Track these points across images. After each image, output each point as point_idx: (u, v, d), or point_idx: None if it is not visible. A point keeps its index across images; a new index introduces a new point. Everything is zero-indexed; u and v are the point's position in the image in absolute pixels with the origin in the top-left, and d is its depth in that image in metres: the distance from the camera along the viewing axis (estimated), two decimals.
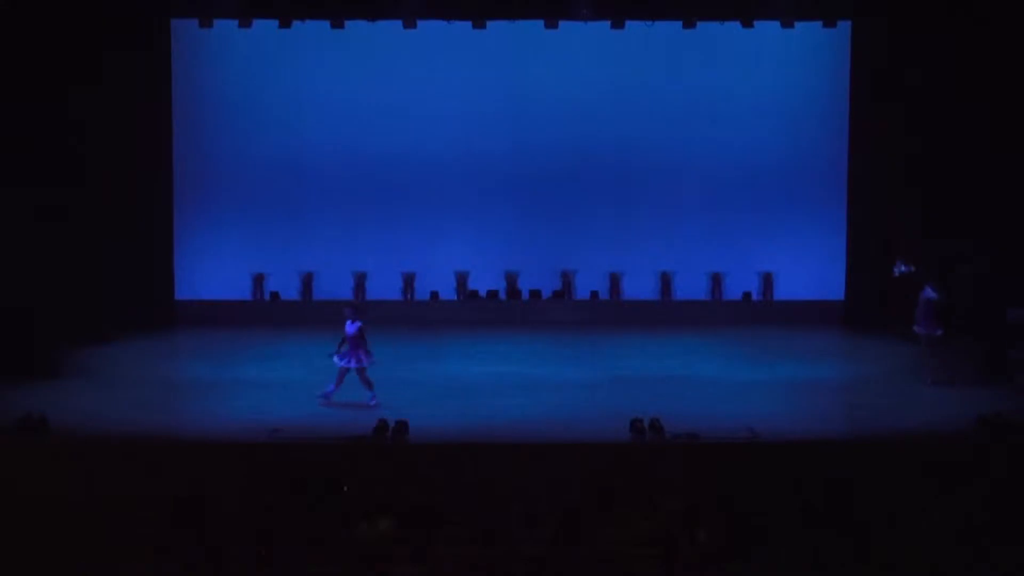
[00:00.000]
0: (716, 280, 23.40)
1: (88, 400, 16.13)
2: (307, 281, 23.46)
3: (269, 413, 15.28)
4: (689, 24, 22.37)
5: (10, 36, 17.48)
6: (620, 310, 23.35)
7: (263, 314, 23.14)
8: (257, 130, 23.19)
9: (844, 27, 22.92)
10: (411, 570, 10.55)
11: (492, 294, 23.45)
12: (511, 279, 23.54)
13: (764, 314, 23.21)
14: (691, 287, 23.50)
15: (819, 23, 22.75)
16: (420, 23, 22.28)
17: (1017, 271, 17.60)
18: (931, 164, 21.11)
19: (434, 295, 23.48)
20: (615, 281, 23.49)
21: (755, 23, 22.48)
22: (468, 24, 22.38)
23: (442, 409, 15.61)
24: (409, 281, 23.52)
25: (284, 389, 16.88)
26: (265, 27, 22.51)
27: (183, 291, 23.31)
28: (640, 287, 23.45)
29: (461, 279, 23.50)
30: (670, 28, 22.59)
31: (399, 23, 22.34)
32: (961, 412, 15.15)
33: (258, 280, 23.43)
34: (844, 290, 23.40)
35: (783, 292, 23.55)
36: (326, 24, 22.43)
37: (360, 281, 23.49)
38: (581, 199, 23.40)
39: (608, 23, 22.50)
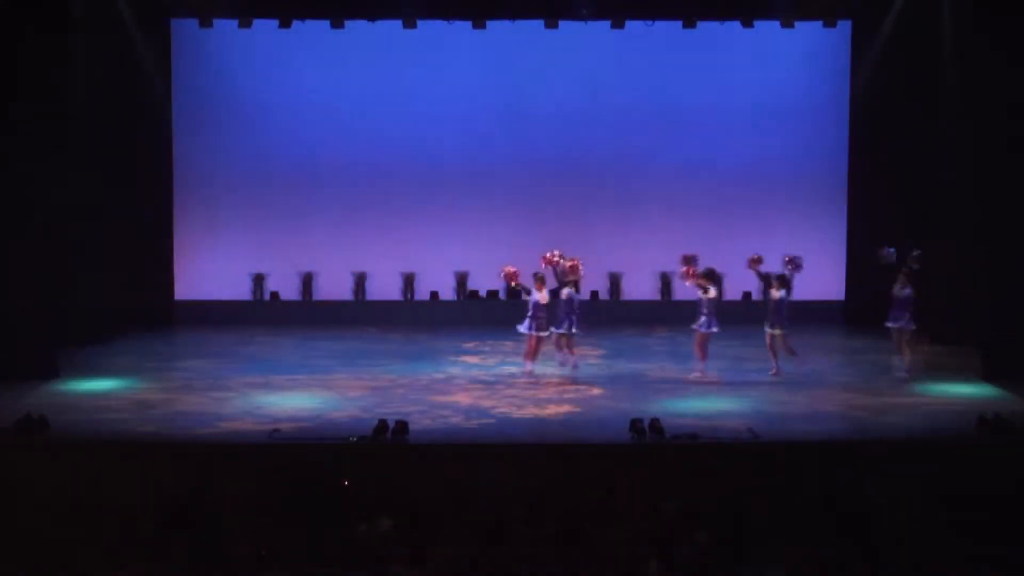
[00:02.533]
0: (716, 280, 23.35)
1: (88, 400, 16.13)
2: (307, 281, 23.46)
3: (269, 413, 15.28)
4: (689, 24, 22.40)
5: (8, 35, 17.45)
6: (620, 310, 23.35)
7: (263, 314, 23.15)
8: (257, 130, 23.18)
9: (844, 27, 22.94)
10: (411, 570, 10.54)
11: (492, 294, 23.44)
12: None
13: (764, 314, 23.16)
14: (691, 287, 23.45)
15: (819, 23, 22.78)
16: (420, 23, 22.30)
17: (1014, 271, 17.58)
18: (931, 164, 21.14)
19: (434, 295, 23.48)
20: (615, 281, 23.49)
21: (755, 23, 22.50)
22: (468, 24, 22.40)
23: (442, 409, 15.61)
24: (409, 281, 23.52)
25: (284, 389, 16.88)
26: (265, 27, 22.52)
27: (183, 291, 23.31)
28: (640, 287, 23.45)
29: (461, 279, 23.50)
30: (670, 28, 22.60)
31: (399, 23, 22.37)
32: (961, 412, 15.15)
33: (258, 280, 23.43)
34: (844, 290, 23.41)
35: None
36: (326, 24, 22.45)
37: (360, 281, 23.49)
38: (581, 199, 23.38)
39: (608, 23, 22.52)
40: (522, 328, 17.57)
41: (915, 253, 17.55)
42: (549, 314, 17.55)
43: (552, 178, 23.37)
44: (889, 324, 17.61)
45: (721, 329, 17.55)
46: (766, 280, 17.74)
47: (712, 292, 17.48)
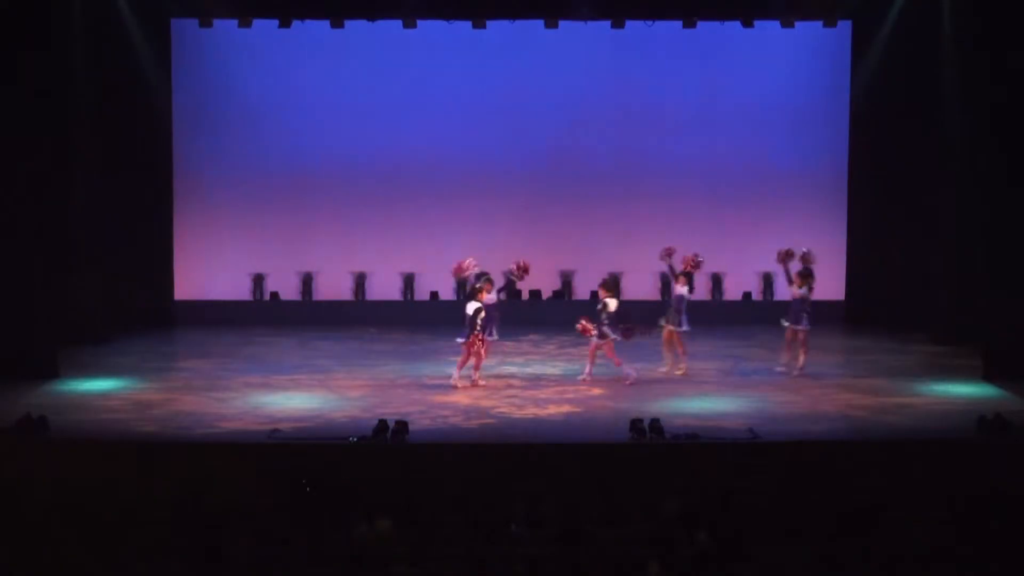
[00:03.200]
0: (716, 280, 23.39)
1: (88, 400, 16.13)
2: (307, 281, 23.46)
3: (269, 413, 15.28)
4: (689, 24, 22.40)
5: (8, 35, 17.45)
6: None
7: (263, 314, 23.14)
8: (257, 130, 23.17)
9: (844, 27, 22.93)
10: (411, 570, 10.55)
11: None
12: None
13: (764, 314, 23.18)
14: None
15: (819, 23, 22.78)
16: (420, 23, 22.30)
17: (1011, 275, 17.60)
18: (931, 164, 21.14)
19: (434, 295, 23.48)
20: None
21: (755, 23, 22.50)
22: (468, 24, 22.39)
23: (442, 409, 15.61)
24: (409, 281, 23.52)
25: (284, 389, 16.88)
26: (265, 27, 22.52)
27: (183, 291, 23.30)
28: (640, 287, 23.43)
29: (461, 279, 23.49)
30: (670, 28, 22.60)
31: (399, 23, 22.37)
32: (961, 412, 15.15)
33: (258, 280, 23.42)
34: (844, 290, 23.41)
35: (783, 292, 23.53)
36: (326, 24, 22.45)
37: (360, 281, 23.49)
38: (581, 199, 23.38)
39: (608, 23, 22.52)
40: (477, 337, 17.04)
41: (804, 251, 17.73)
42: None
43: (552, 178, 23.36)
44: (784, 322, 17.69)
45: (619, 337, 17.22)
46: (678, 275, 17.72)
47: (612, 304, 17.25)
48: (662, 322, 17.89)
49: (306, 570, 10.76)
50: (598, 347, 17.22)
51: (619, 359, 17.18)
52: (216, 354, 19.80)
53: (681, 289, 17.71)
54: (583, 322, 17.20)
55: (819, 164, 23.37)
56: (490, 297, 17.42)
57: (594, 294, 23.35)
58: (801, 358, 17.67)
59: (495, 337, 17.84)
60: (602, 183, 23.37)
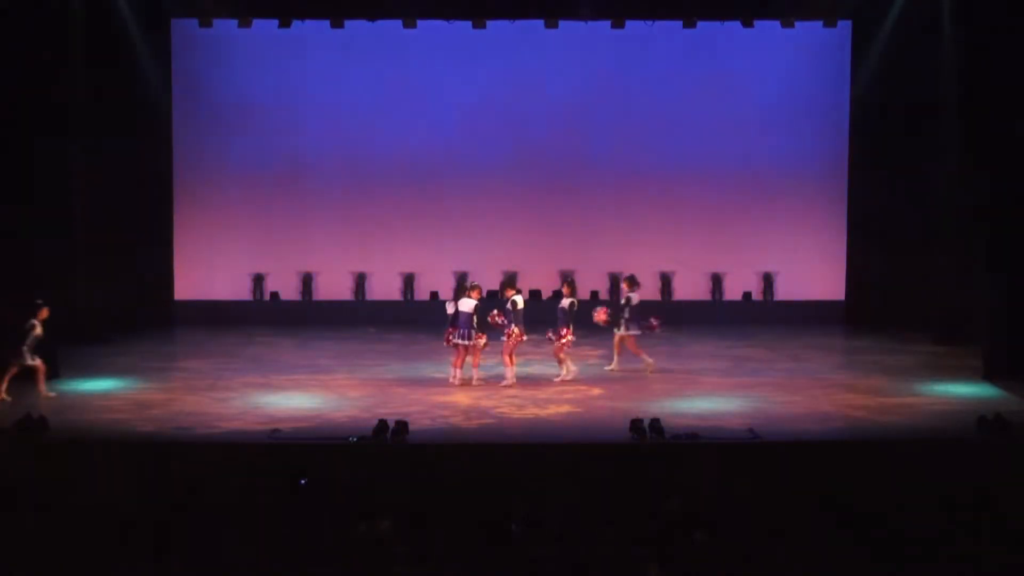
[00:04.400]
0: (716, 280, 23.41)
1: (89, 400, 16.13)
2: (307, 281, 23.47)
3: (269, 413, 15.27)
4: (689, 24, 22.43)
5: (9, 35, 17.46)
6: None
7: (263, 314, 23.15)
8: (257, 130, 23.21)
9: (844, 27, 22.96)
10: (411, 570, 10.55)
11: (492, 294, 23.42)
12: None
13: (764, 314, 23.22)
14: (691, 287, 23.52)
15: (819, 23, 22.80)
16: (420, 23, 22.33)
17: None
18: (931, 164, 21.14)
19: (434, 295, 23.49)
20: (615, 281, 23.49)
21: (755, 23, 22.54)
22: (468, 24, 22.42)
23: (442, 409, 15.61)
24: (409, 281, 23.53)
25: (284, 389, 16.88)
26: (265, 27, 22.55)
27: (183, 291, 23.32)
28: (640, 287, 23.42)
29: (461, 279, 23.49)
30: (670, 28, 22.62)
31: (399, 23, 22.39)
32: (961, 412, 15.15)
33: (258, 280, 23.44)
34: (844, 290, 23.42)
35: (783, 292, 23.58)
36: (326, 24, 22.47)
37: (360, 281, 23.50)
38: (581, 199, 23.42)
39: (608, 23, 22.54)
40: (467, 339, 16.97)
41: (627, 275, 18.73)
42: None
43: (552, 178, 23.40)
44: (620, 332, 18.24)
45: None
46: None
47: (521, 300, 17.41)
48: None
49: (306, 570, 10.75)
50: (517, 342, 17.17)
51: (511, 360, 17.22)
52: (216, 354, 19.81)
53: (566, 301, 17.70)
54: (505, 324, 17.15)
55: (819, 164, 23.40)
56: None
57: (594, 293, 23.46)
58: (615, 359, 18.20)
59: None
60: (602, 183, 23.41)
